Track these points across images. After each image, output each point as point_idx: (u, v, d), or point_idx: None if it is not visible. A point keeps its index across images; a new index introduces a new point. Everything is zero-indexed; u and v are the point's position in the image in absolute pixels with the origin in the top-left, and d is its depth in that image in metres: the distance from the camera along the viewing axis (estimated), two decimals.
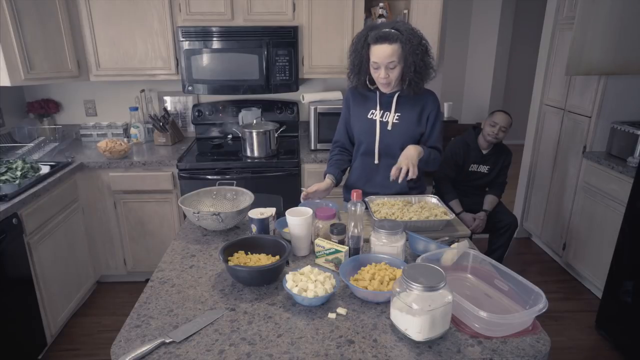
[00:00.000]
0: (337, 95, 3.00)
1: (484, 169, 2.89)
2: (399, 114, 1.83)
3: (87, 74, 2.80)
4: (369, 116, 1.86)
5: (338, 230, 1.41)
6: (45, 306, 2.27)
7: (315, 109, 2.80)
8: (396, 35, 1.65)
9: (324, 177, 1.91)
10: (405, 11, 2.90)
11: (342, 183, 2.03)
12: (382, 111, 1.84)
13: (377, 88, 1.84)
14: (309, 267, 1.29)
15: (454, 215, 1.67)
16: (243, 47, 2.73)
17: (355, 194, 1.40)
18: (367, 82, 1.83)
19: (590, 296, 2.86)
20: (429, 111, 1.84)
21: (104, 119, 3.22)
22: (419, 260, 1.26)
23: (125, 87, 3.11)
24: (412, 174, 1.66)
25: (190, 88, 2.81)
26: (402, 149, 1.83)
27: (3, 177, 2.17)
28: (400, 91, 1.81)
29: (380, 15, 2.87)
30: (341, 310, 1.17)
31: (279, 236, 1.49)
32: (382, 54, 1.67)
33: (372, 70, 1.75)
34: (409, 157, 1.68)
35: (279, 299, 1.24)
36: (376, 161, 1.88)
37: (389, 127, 1.83)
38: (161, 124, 2.99)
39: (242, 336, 1.09)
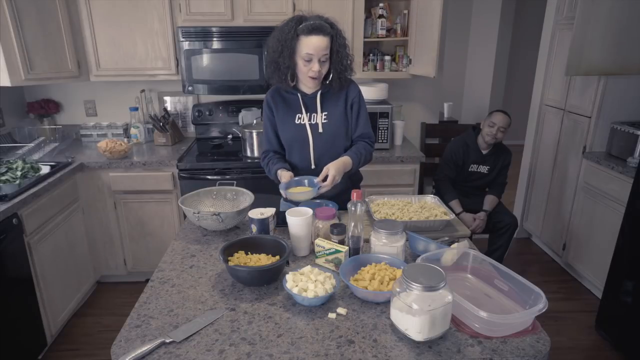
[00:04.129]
0: None
1: (483, 169, 2.89)
2: (326, 113, 1.76)
3: (87, 74, 2.80)
4: (296, 121, 1.77)
5: (338, 230, 1.41)
6: (45, 306, 2.27)
7: None
8: (328, 28, 1.61)
9: (274, 175, 1.76)
10: (405, 11, 2.90)
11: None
12: (308, 113, 1.76)
13: (296, 88, 1.75)
14: (309, 267, 1.29)
15: (453, 215, 1.67)
16: (243, 47, 2.73)
17: (355, 194, 1.40)
18: (289, 79, 1.71)
19: (590, 296, 2.86)
20: (351, 101, 1.77)
21: (104, 119, 3.23)
22: (419, 260, 1.26)
23: (125, 87, 3.12)
24: (327, 185, 1.61)
25: (190, 88, 2.81)
26: (339, 146, 1.78)
27: (3, 177, 2.17)
28: (322, 88, 1.74)
29: (380, 16, 2.88)
30: (341, 310, 1.17)
31: (278, 236, 1.49)
32: (318, 44, 1.59)
33: (301, 64, 1.64)
34: (336, 168, 1.63)
35: (279, 299, 1.24)
36: (313, 166, 1.79)
37: (320, 130, 1.76)
38: (161, 124, 2.99)
39: (242, 336, 1.09)
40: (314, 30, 1.58)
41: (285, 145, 1.83)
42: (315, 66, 1.62)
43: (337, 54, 1.65)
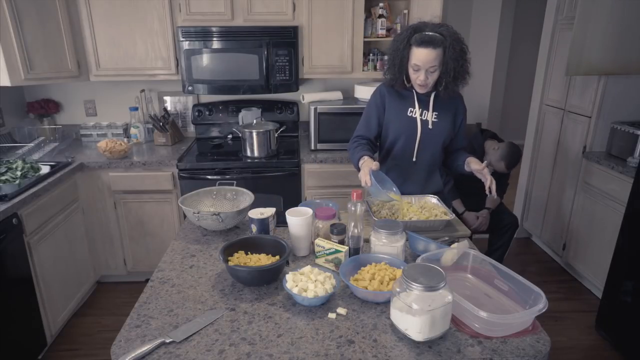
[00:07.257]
0: (337, 95, 3.00)
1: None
2: (437, 113, 1.85)
3: (87, 74, 2.80)
4: (408, 114, 1.86)
5: (338, 230, 1.41)
6: (45, 306, 2.27)
7: (315, 109, 2.80)
8: (441, 40, 1.65)
9: (357, 163, 1.75)
10: (405, 11, 2.90)
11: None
12: (421, 109, 1.85)
13: (412, 86, 1.84)
14: (309, 267, 1.29)
15: (453, 215, 1.67)
16: (243, 47, 2.73)
17: (355, 194, 1.40)
18: (405, 80, 1.82)
19: (590, 296, 2.86)
20: (460, 113, 1.89)
21: (104, 119, 3.22)
22: (419, 260, 1.26)
23: (125, 87, 3.12)
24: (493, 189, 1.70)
25: (190, 88, 2.81)
26: (441, 146, 1.88)
27: (3, 177, 2.17)
28: (436, 92, 1.82)
29: (380, 16, 2.87)
30: (341, 310, 1.17)
31: (278, 236, 1.49)
32: (425, 57, 1.66)
33: (411, 71, 1.74)
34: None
35: (279, 299, 1.24)
36: (414, 159, 1.89)
37: (430, 126, 1.84)
38: (161, 124, 2.99)
39: (242, 336, 1.09)
40: (424, 42, 1.65)
41: (392, 136, 1.90)
42: (422, 76, 1.71)
43: (447, 66, 1.68)
